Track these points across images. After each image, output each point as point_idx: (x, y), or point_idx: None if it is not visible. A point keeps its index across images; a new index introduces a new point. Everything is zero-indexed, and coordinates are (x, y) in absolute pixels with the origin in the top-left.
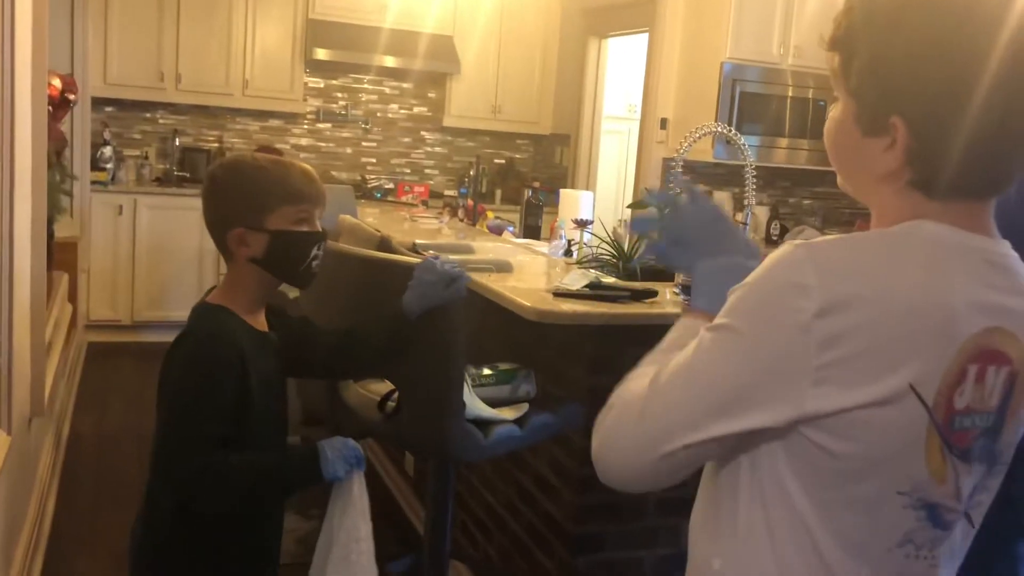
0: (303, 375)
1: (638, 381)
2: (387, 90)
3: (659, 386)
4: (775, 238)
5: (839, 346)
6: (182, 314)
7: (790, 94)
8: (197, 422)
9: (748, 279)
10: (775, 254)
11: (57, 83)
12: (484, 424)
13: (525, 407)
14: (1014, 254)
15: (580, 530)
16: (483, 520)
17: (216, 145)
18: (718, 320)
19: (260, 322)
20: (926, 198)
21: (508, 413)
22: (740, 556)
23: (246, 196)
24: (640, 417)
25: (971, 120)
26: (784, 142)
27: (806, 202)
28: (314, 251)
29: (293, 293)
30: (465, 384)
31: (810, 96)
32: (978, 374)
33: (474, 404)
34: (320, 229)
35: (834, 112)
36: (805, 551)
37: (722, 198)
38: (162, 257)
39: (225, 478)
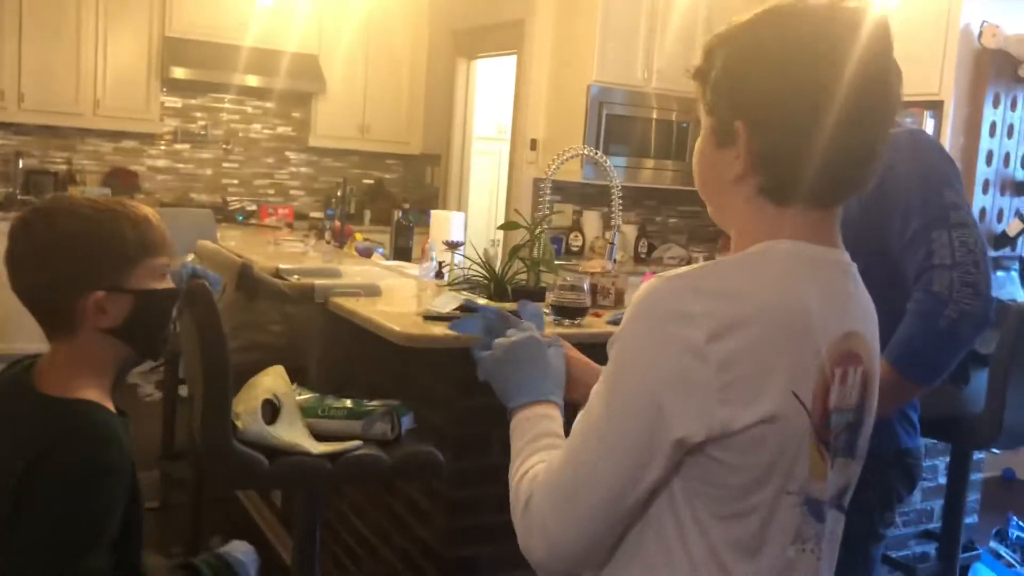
0: None
1: (542, 466)
2: (249, 109)
3: (575, 454)
4: (643, 256)
5: (734, 367)
6: (26, 346)
7: (654, 116)
8: (88, 560)
9: (625, 322)
10: (645, 289)
11: None
12: (286, 452)
13: (354, 444)
14: (852, 264)
15: (453, 554)
16: (354, 548)
17: (65, 167)
18: (609, 368)
19: (111, 406)
20: (775, 205)
21: (321, 447)
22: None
23: (104, 250)
24: (575, 495)
25: (804, 127)
26: (650, 163)
27: (672, 221)
28: (174, 312)
29: None
30: (277, 408)
31: (674, 119)
32: (842, 376)
33: (264, 429)
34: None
35: (699, 139)
36: (707, 565)
37: (591, 217)
38: (3, 284)
39: None
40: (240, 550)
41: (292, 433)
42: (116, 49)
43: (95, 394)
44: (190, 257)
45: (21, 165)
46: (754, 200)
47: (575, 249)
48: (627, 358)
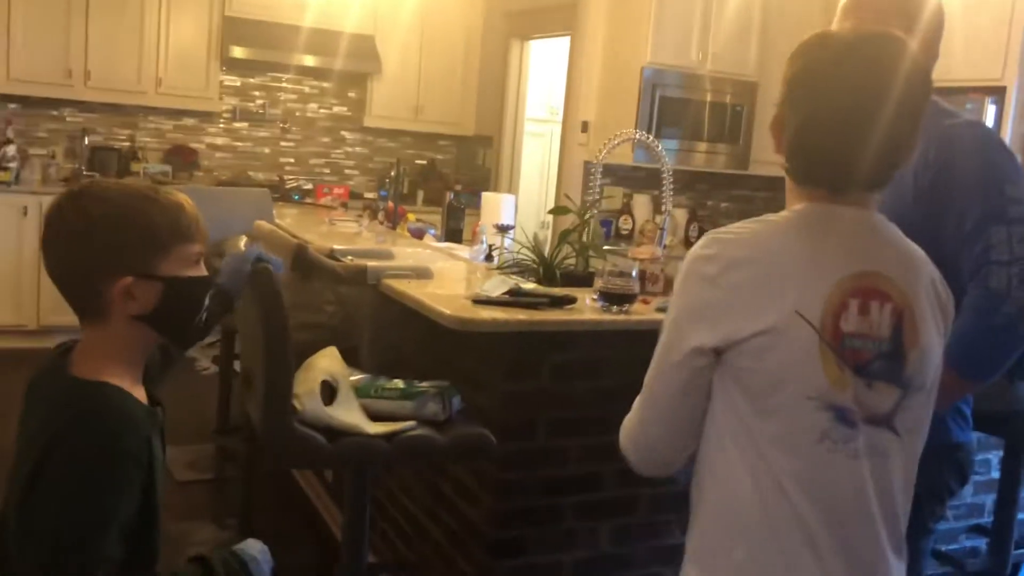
0: None
1: None
2: (306, 89)
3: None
4: (693, 240)
5: (740, 292)
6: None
7: (708, 99)
8: (100, 545)
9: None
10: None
11: None
12: (344, 433)
13: (408, 424)
14: (887, 223)
15: (500, 535)
16: (403, 526)
17: (127, 144)
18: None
19: (142, 394)
20: (793, 183)
21: (379, 427)
22: (710, 475)
23: (135, 235)
24: (642, 402)
25: (810, 129)
26: (703, 146)
27: (723, 205)
28: (207, 300)
29: None
30: (333, 389)
31: (728, 101)
32: (860, 307)
33: (323, 410)
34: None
35: None
36: (752, 457)
37: (641, 200)
38: None
39: None
40: (256, 548)
41: (349, 414)
42: (177, 29)
43: (120, 379)
44: (243, 241)
45: (87, 142)
46: (787, 176)
47: (624, 232)
48: (677, 288)
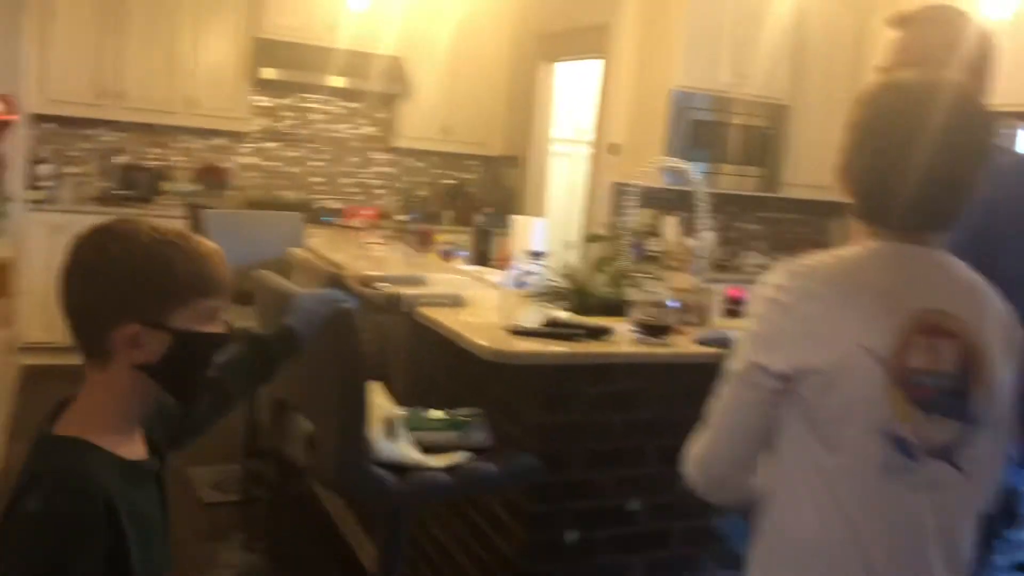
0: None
1: None
2: (336, 110)
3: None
4: (722, 262)
5: (812, 322)
6: None
7: (738, 122)
8: None
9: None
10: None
11: (1, 107)
12: (409, 469)
13: (464, 455)
14: (955, 260)
15: (531, 568)
16: (433, 557)
17: (159, 163)
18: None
19: (135, 446)
20: (861, 223)
21: (440, 460)
22: (774, 503)
23: (150, 282)
24: (710, 425)
25: (857, 170)
26: (732, 168)
27: (752, 227)
28: (215, 358)
29: None
30: (393, 425)
31: (758, 124)
32: (927, 344)
33: (393, 447)
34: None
35: None
36: (817, 487)
37: (670, 222)
38: None
39: None
40: None
41: (409, 449)
42: (209, 50)
43: (102, 434)
44: (272, 276)
45: (118, 161)
46: (854, 217)
47: (653, 254)
48: (753, 312)
